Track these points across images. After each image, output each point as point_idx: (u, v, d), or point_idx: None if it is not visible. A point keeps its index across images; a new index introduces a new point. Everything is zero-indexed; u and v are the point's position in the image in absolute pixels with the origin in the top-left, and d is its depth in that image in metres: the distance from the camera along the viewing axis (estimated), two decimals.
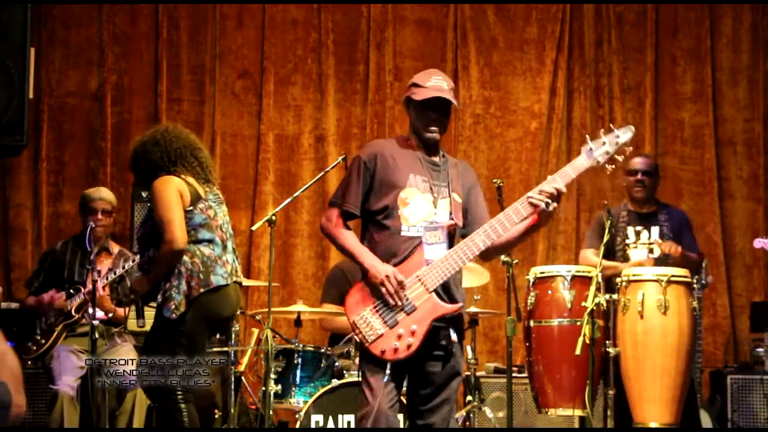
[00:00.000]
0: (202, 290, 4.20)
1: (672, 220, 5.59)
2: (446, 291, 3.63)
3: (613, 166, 3.64)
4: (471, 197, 3.83)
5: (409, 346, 3.52)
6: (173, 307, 4.15)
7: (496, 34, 7.77)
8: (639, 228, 5.56)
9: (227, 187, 7.55)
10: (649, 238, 5.52)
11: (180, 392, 4.21)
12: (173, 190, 4.23)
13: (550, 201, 3.58)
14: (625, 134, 3.65)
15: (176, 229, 4.15)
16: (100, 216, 5.58)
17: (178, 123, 4.65)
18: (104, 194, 5.70)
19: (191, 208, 4.27)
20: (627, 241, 5.55)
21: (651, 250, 5.48)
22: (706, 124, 7.67)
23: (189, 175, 4.34)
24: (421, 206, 3.65)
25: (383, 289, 3.53)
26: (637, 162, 5.64)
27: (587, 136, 3.71)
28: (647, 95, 7.70)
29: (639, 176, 5.58)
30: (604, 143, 3.62)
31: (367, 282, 3.60)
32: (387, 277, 3.53)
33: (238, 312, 4.88)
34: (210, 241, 4.29)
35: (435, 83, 3.70)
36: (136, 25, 7.67)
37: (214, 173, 4.53)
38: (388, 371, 3.52)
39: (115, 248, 5.75)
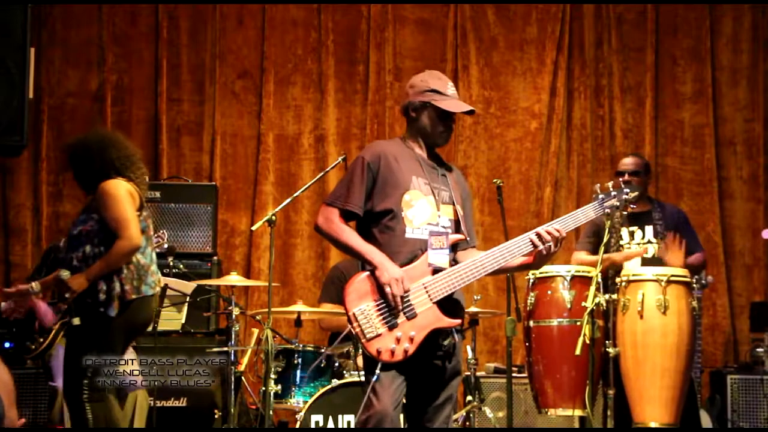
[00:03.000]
0: (133, 297, 4.27)
1: (666, 218, 5.57)
2: (448, 297, 3.63)
3: (616, 220, 3.96)
4: (465, 210, 3.84)
5: (405, 351, 3.52)
6: (115, 307, 4.22)
7: (496, 34, 7.78)
8: (633, 228, 5.55)
9: (227, 187, 7.55)
10: (643, 237, 5.52)
11: (86, 392, 4.24)
12: (127, 192, 4.30)
13: (553, 245, 3.70)
14: (633, 193, 3.88)
15: (134, 228, 4.22)
16: None
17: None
18: None
19: (138, 213, 4.34)
20: (621, 242, 5.55)
21: (645, 250, 5.46)
22: (706, 124, 7.67)
23: (134, 183, 4.40)
24: (424, 209, 3.66)
25: (387, 290, 3.53)
26: (624, 163, 5.66)
27: (597, 186, 3.89)
28: (647, 95, 7.70)
29: (626, 177, 5.58)
30: (614, 196, 3.83)
31: (371, 277, 3.57)
32: (395, 280, 3.52)
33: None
34: (145, 249, 4.36)
35: (453, 92, 3.77)
36: (136, 25, 7.67)
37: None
38: (377, 371, 3.51)
39: None
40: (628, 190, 3.84)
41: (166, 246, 5.65)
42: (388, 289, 3.52)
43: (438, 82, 3.75)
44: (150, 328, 4.81)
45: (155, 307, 4.49)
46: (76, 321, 4.32)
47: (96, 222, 4.28)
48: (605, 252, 5.51)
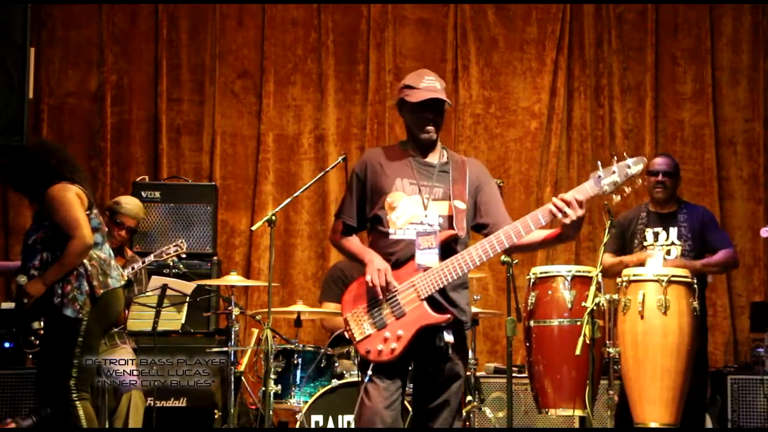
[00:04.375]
0: (101, 291, 4.33)
1: (691, 219, 5.52)
2: (445, 296, 3.64)
3: (619, 197, 3.54)
4: (483, 196, 3.79)
5: (392, 351, 3.55)
6: (78, 307, 4.27)
7: (496, 34, 7.78)
8: (657, 229, 5.52)
9: (227, 187, 7.55)
10: (667, 239, 5.48)
11: (75, 391, 4.27)
12: (74, 194, 4.37)
13: (566, 209, 3.48)
14: (636, 166, 3.51)
15: (85, 227, 4.30)
16: (123, 233, 5.63)
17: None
18: (138, 212, 5.67)
19: (88, 212, 4.40)
20: (645, 243, 5.51)
21: (668, 252, 5.44)
22: (706, 124, 7.67)
23: (79, 185, 4.46)
24: (407, 209, 3.68)
25: (368, 280, 3.57)
26: (657, 163, 5.59)
27: (599, 162, 3.62)
28: (647, 95, 7.70)
29: (660, 177, 5.53)
30: (613, 172, 3.51)
31: (364, 280, 3.64)
32: (377, 270, 3.58)
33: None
34: (102, 245, 4.45)
35: (428, 84, 3.72)
36: (136, 25, 7.67)
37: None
38: (369, 371, 3.57)
39: (129, 253, 5.77)
40: (630, 163, 3.51)
41: (184, 256, 5.69)
42: (368, 278, 3.58)
43: (415, 78, 3.75)
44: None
45: (123, 297, 4.56)
46: (37, 325, 4.38)
47: (48, 228, 4.37)
48: (623, 253, 5.54)
